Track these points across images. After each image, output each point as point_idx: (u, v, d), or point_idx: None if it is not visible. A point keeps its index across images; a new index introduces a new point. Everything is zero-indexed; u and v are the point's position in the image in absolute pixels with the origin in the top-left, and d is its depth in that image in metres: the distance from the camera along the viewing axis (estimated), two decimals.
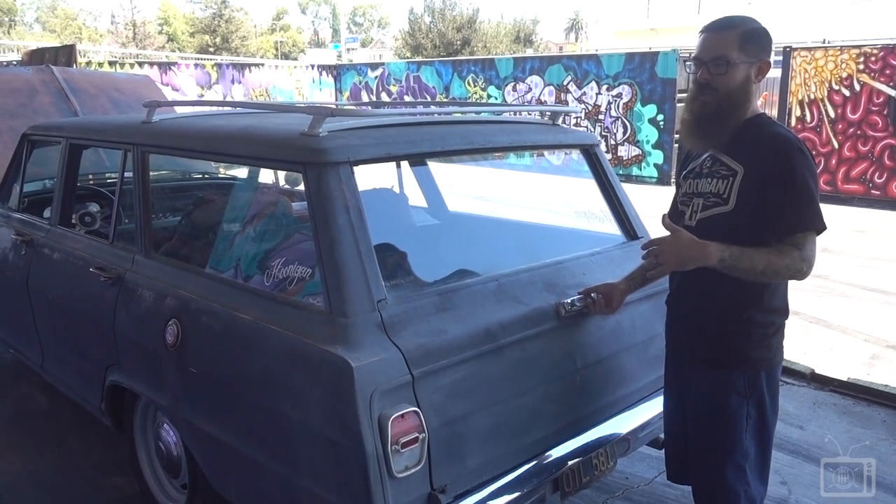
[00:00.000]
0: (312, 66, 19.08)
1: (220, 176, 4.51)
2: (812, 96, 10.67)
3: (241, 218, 2.79)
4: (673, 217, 2.11)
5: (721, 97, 1.90)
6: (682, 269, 1.91)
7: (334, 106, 2.76)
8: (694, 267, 1.88)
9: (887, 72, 9.98)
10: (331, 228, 1.98)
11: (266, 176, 3.59)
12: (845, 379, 4.10)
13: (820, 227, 1.88)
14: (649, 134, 12.86)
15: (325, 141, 2.08)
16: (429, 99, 16.12)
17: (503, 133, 2.63)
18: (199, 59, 22.95)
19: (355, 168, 2.09)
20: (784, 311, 2.04)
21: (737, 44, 1.88)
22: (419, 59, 25.71)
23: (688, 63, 2.02)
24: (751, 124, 1.94)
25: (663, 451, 2.36)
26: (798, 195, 1.85)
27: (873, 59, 10.08)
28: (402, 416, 1.81)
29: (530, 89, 14.47)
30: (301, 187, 3.32)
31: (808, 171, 1.87)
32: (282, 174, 3.62)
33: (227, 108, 3.71)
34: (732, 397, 2.00)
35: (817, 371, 4.21)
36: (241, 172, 4.11)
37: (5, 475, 3.20)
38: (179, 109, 3.94)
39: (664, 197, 2.16)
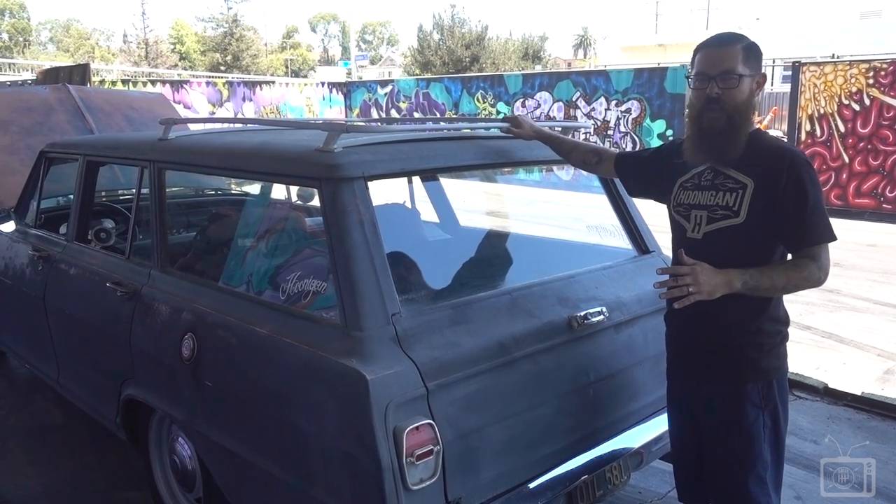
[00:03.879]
0: (322, 84, 19.23)
1: (234, 192, 4.55)
2: (822, 111, 10.66)
3: (256, 233, 2.82)
4: (674, 235, 2.13)
5: (730, 111, 1.92)
6: (710, 298, 1.89)
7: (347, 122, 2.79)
8: (721, 294, 1.89)
9: None
10: (346, 243, 2.01)
11: (279, 192, 3.62)
12: (859, 393, 4.08)
13: (833, 238, 1.93)
14: None
15: (340, 157, 2.11)
16: (438, 115, 16.21)
17: (515, 148, 2.66)
18: (210, 76, 23.18)
19: (370, 183, 2.12)
20: (787, 320, 2.07)
21: (742, 57, 1.92)
22: (428, 75, 25.87)
23: (689, 78, 2.03)
24: (751, 138, 1.97)
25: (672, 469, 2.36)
26: (813, 210, 1.90)
27: (883, 73, 10.08)
28: (417, 428, 1.82)
29: (539, 105, 14.54)
30: (313, 203, 3.37)
31: (817, 184, 1.93)
32: (294, 190, 3.66)
33: (241, 125, 3.75)
34: (749, 409, 2.00)
35: (830, 386, 4.19)
36: (254, 189, 4.16)
37: (21, 489, 3.22)
38: (194, 127, 4.00)
39: None
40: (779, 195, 1.89)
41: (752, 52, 1.94)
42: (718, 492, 2.13)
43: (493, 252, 3.22)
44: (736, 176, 1.96)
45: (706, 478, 2.15)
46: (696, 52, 2.00)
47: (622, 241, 2.90)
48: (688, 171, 2.09)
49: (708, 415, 2.10)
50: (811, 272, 1.90)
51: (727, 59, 1.91)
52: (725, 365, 2.03)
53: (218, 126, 4.87)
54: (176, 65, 44.45)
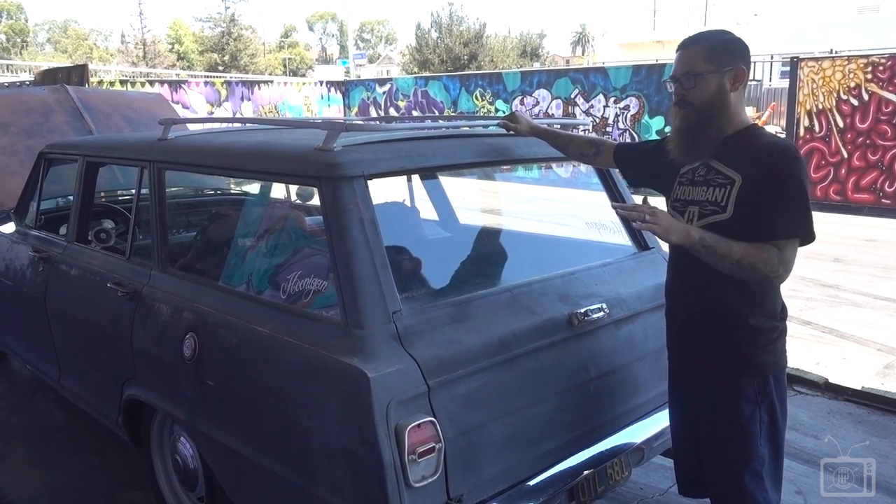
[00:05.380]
0: (321, 83, 19.22)
1: (233, 191, 4.56)
2: (820, 106, 10.66)
3: (256, 232, 2.83)
4: None
5: (698, 110, 1.95)
6: (667, 237, 1.90)
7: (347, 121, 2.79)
8: (676, 239, 1.90)
9: (895, 81, 9.98)
10: (346, 241, 2.01)
11: (279, 191, 3.63)
12: (859, 388, 4.08)
13: (805, 235, 1.90)
14: None
15: (339, 155, 2.11)
16: (437, 113, 16.20)
17: (514, 146, 2.66)
18: (208, 76, 23.16)
19: (369, 182, 2.12)
20: (784, 315, 2.06)
21: (703, 56, 1.93)
22: (427, 74, 25.85)
23: (666, 82, 2.06)
24: (745, 134, 1.97)
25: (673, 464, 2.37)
26: (790, 203, 1.87)
27: (881, 68, 10.08)
28: (419, 425, 1.83)
29: (538, 103, 14.53)
30: (312, 202, 3.37)
31: (800, 179, 1.89)
32: (294, 189, 3.67)
33: (239, 125, 3.76)
34: (744, 405, 2.01)
35: (831, 381, 4.19)
36: (254, 188, 4.16)
37: (23, 489, 3.23)
38: (193, 127, 4.00)
39: None
40: (761, 186, 1.88)
41: (720, 48, 1.94)
42: (715, 487, 2.14)
43: (492, 249, 3.23)
44: (725, 171, 1.97)
45: (704, 472, 2.16)
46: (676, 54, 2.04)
47: (622, 238, 2.91)
48: (684, 165, 2.10)
49: (705, 410, 2.11)
50: (770, 257, 1.86)
51: (688, 60, 1.95)
52: (721, 360, 2.03)
53: (217, 126, 4.88)
54: (174, 65, 44.40)
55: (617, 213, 2.06)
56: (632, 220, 1.91)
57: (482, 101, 15.52)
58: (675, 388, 2.24)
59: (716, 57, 1.92)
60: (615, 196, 2.88)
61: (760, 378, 2.01)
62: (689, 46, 1.97)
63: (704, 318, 2.04)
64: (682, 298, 2.12)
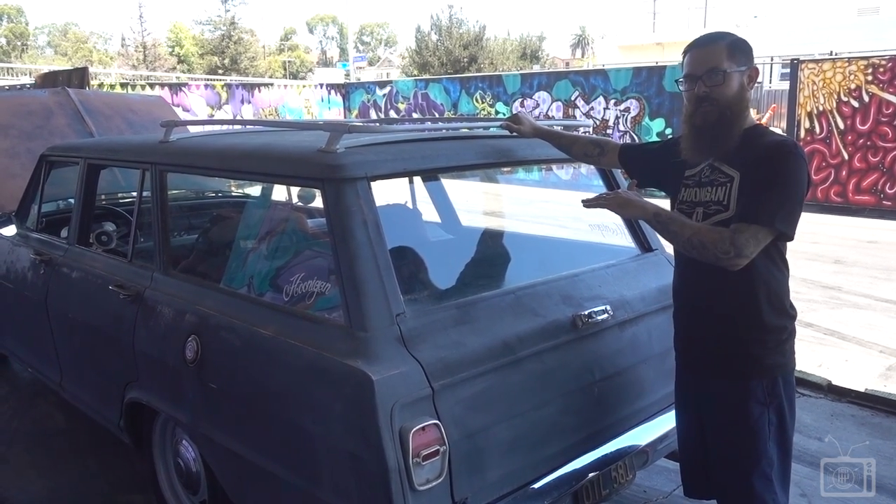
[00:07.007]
0: (321, 85, 19.21)
1: (235, 193, 4.55)
2: (821, 108, 10.66)
3: (258, 234, 2.82)
4: None
5: (722, 107, 1.93)
6: (621, 212, 2.15)
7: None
8: (631, 214, 2.12)
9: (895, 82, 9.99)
10: (349, 243, 2.00)
11: (280, 193, 3.62)
12: (862, 390, 4.08)
13: (771, 223, 1.85)
14: None
15: (342, 157, 2.11)
16: (437, 116, 16.20)
17: (516, 147, 2.65)
18: (208, 79, 23.18)
19: (372, 183, 2.12)
20: (793, 315, 2.06)
21: (726, 54, 1.93)
22: (427, 76, 25.86)
23: (678, 81, 2.04)
24: (749, 134, 1.97)
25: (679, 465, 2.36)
26: (770, 192, 1.86)
27: (881, 70, 10.08)
28: (423, 428, 1.81)
29: (538, 105, 14.53)
30: (314, 204, 3.36)
31: (792, 174, 1.87)
32: (295, 191, 3.66)
33: (240, 127, 3.75)
34: (753, 406, 2.00)
35: (834, 383, 4.19)
36: (255, 190, 4.16)
37: (25, 493, 3.22)
38: (194, 129, 4.00)
39: None
40: (754, 177, 1.89)
41: (737, 48, 1.94)
42: (724, 489, 2.13)
43: (495, 251, 3.22)
44: (726, 170, 1.97)
45: (711, 474, 2.15)
46: (683, 54, 2.02)
47: (625, 240, 2.90)
48: (690, 167, 2.10)
49: (713, 412, 2.10)
50: (722, 238, 1.85)
51: (711, 57, 1.93)
52: (730, 362, 2.03)
53: (218, 128, 4.87)
54: (174, 68, 44.49)
55: (584, 206, 2.16)
56: (596, 206, 2.10)
57: (482, 103, 15.52)
58: (683, 390, 2.23)
59: (736, 55, 1.93)
60: None
61: (769, 379, 2.01)
62: (708, 45, 1.96)
63: (713, 320, 2.04)
64: (691, 300, 2.11)
